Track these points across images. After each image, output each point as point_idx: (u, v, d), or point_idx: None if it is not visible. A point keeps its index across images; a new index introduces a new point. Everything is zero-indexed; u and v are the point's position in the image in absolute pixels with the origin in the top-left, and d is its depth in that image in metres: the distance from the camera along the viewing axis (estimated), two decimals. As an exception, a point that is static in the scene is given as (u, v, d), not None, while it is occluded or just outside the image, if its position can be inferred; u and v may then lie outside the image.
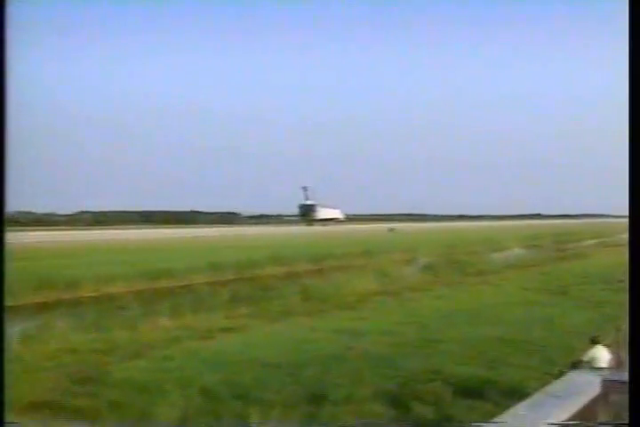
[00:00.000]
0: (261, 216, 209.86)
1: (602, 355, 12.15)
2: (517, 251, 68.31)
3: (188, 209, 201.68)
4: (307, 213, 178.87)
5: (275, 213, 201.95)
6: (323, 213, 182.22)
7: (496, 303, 28.56)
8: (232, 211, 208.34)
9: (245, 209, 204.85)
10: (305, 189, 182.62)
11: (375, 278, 37.58)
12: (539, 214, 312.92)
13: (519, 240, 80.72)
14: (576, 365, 11.85)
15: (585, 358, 12.15)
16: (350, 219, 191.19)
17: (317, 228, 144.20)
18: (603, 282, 35.83)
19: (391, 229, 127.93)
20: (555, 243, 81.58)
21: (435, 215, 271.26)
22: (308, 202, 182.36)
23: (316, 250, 58.65)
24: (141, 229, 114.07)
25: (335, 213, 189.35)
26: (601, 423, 8.28)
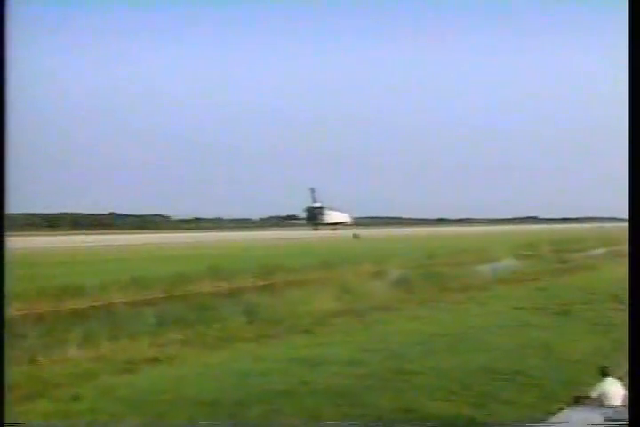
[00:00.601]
0: (196, 219, 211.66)
1: (614, 390, 12.07)
2: (509, 262, 69.41)
3: (106, 211, 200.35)
4: (314, 217, 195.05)
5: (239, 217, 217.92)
6: (331, 216, 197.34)
7: (483, 326, 28.71)
8: (159, 213, 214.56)
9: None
10: (312, 190, 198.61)
11: (337, 295, 37.52)
12: (535, 217, 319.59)
13: (511, 249, 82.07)
14: (580, 400, 11.82)
15: (593, 394, 12.10)
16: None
17: (289, 233, 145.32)
18: (614, 300, 36.31)
19: (356, 236, 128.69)
20: (554, 252, 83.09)
21: (410, 219, 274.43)
22: (316, 204, 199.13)
23: (266, 261, 58.36)
24: (46, 235, 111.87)
25: (343, 217, 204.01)
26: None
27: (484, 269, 60.21)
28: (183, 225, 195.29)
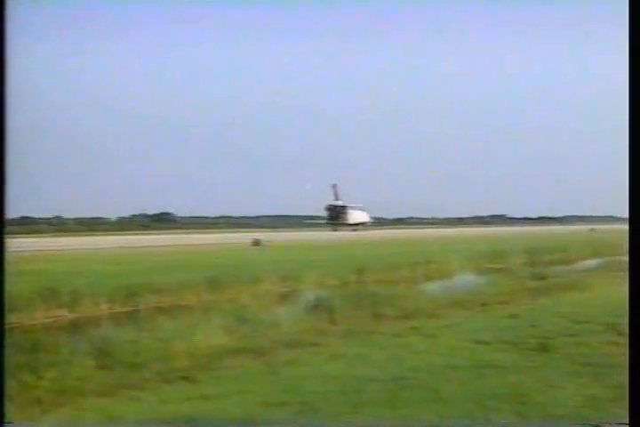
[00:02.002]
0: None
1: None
2: (469, 278, 70.34)
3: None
4: (337, 217, 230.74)
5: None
6: (354, 216, 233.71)
7: (432, 368, 28.99)
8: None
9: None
10: (334, 186, 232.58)
11: (229, 327, 37.21)
12: (502, 216, 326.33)
13: (472, 260, 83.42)
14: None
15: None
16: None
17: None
18: (611, 330, 37.35)
19: (257, 243, 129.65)
20: (530, 264, 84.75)
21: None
22: (339, 202, 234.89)
23: (129, 279, 57.49)
24: None
25: (364, 217, 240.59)
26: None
27: (435, 288, 60.95)
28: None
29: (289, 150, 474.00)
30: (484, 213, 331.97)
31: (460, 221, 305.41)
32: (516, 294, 56.75)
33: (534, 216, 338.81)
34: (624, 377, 26.57)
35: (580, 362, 30.04)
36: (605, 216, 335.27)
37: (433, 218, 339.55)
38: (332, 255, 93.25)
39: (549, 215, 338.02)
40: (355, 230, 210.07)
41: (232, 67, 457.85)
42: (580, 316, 43.67)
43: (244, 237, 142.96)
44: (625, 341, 34.08)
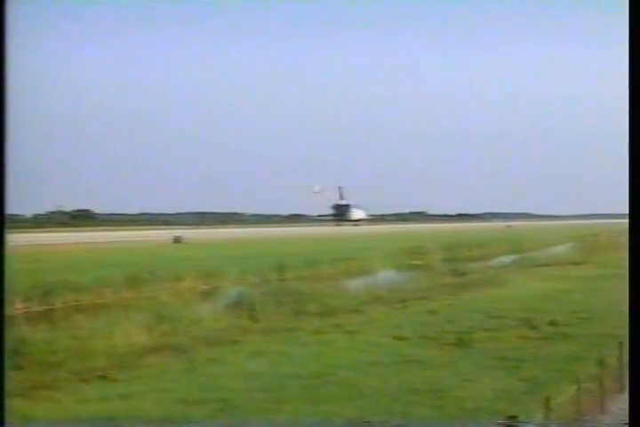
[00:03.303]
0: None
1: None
2: (389, 274, 70.76)
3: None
4: (342, 214, 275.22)
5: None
6: (355, 213, 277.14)
7: (352, 364, 29.26)
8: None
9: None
10: (340, 188, 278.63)
11: (149, 325, 36.91)
12: (421, 213, 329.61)
13: (391, 256, 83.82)
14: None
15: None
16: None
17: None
18: (525, 325, 38.32)
19: (178, 240, 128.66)
20: (448, 261, 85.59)
21: (254, 215, 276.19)
22: (343, 202, 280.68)
23: (42, 276, 56.49)
24: None
25: (362, 214, 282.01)
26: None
27: (355, 284, 61.08)
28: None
29: (215, 145, 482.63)
30: (405, 210, 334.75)
31: (381, 218, 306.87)
32: (435, 290, 57.70)
33: (453, 213, 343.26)
34: (536, 370, 27.24)
35: (496, 356, 30.53)
36: (521, 213, 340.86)
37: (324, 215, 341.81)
38: (252, 252, 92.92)
39: (468, 212, 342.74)
40: (356, 225, 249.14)
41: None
42: (496, 311, 44.49)
43: (165, 234, 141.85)
44: (537, 335, 34.90)
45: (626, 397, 22.13)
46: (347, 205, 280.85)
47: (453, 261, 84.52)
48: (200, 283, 58.50)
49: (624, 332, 31.13)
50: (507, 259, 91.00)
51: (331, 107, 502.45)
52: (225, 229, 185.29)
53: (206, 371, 28.34)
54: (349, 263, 76.67)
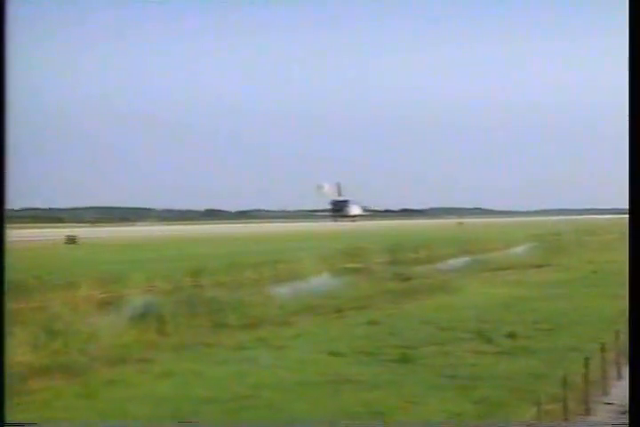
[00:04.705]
0: None
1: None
2: (323, 280, 70.67)
3: None
4: (340, 210, 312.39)
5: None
6: (353, 209, 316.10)
7: (279, 384, 29.21)
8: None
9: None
10: (338, 185, 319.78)
11: (36, 340, 36.35)
12: (369, 209, 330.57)
13: (326, 258, 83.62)
14: None
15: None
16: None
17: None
18: (479, 338, 38.72)
19: (71, 240, 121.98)
20: (391, 264, 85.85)
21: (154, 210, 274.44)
22: (341, 198, 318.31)
23: None
24: None
25: (359, 209, 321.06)
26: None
27: (284, 291, 60.92)
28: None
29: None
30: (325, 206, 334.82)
31: (312, 215, 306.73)
32: (376, 298, 57.80)
33: (396, 209, 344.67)
34: (491, 390, 27.35)
35: (445, 374, 30.64)
36: (473, 209, 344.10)
37: (282, 211, 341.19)
38: (163, 254, 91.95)
39: (412, 207, 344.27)
40: (353, 221, 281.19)
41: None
42: (446, 322, 44.76)
43: (56, 233, 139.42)
44: (493, 349, 35.18)
45: (592, 419, 22.53)
46: (345, 201, 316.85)
47: (397, 264, 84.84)
48: (98, 291, 57.77)
49: (591, 345, 31.59)
50: (458, 261, 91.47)
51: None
52: (130, 228, 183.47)
53: (106, 395, 27.95)
54: (278, 267, 76.40)
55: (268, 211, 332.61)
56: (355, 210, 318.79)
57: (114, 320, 45.65)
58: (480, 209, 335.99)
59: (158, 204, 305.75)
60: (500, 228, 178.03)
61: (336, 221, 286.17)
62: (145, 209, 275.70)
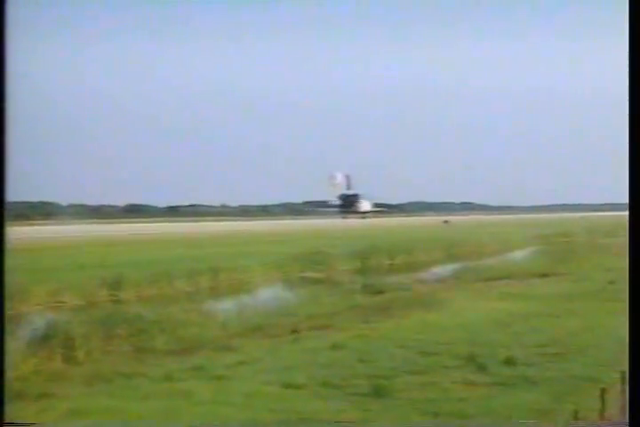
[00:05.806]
0: None
1: None
2: (276, 292, 70.72)
3: None
4: (349, 205, 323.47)
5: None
6: (364, 204, 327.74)
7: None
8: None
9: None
10: (347, 177, 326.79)
11: None
12: (325, 203, 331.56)
13: (280, 266, 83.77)
14: None
15: None
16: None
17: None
18: (470, 365, 38.98)
19: None
20: (361, 272, 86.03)
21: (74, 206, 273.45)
22: (350, 192, 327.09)
23: None
24: None
25: (369, 205, 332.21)
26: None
27: (226, 307, 61.00)
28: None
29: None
30: (297, 201, 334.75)
31: (264, 210, 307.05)
32: (341, 316, 57.90)
33: (370, 208, 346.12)
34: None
35: (427, 411, 30.74)
36: (463, 203, 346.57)
37: (223, 206, 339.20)
38: (71, 261, 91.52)
39: (388, 202, 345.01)
40: (364, 218, 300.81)
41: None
42: (428, 345, 44.76)
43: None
44: (487, 379, 35.19)
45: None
46: (355, 195, 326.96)
47: (367, 273, 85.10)
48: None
49: (609, 374, 31.68)
50: (443, 269, 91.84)
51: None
52: (27, 228, 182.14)
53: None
54: (219, 277, 76.30)
55: (207, 206, 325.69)
56: (366, 206, 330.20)
57: (7, 346, 45.23)
58: (471, 204, 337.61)
59: (64, 197, 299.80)
60: (495, 227, 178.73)
61: (345, 217, 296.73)
62: (47, 203, 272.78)
